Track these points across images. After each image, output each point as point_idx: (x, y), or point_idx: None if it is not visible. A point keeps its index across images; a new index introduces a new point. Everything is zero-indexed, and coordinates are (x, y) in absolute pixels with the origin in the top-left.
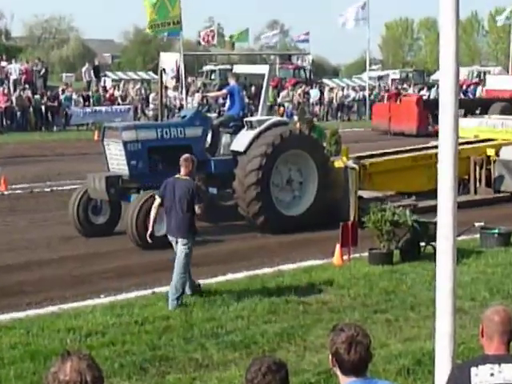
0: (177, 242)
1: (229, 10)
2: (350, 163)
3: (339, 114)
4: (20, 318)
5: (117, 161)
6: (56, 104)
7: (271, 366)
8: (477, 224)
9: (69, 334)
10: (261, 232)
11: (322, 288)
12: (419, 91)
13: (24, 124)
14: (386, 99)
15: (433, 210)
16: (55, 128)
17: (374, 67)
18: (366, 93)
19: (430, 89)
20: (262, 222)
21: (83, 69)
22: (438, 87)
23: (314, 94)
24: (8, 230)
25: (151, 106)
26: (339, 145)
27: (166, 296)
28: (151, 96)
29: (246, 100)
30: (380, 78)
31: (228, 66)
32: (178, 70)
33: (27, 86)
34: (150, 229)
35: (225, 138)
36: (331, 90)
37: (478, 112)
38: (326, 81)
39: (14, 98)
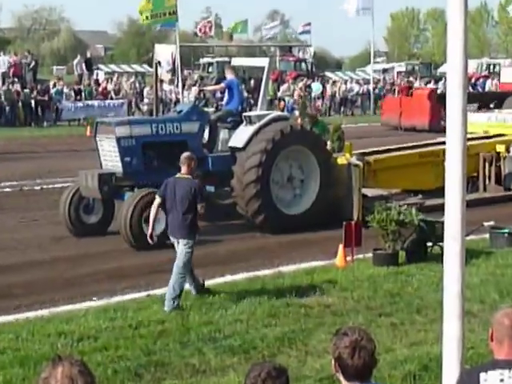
0: (178, 243)
1: None
2: (354, 160)
3: (342, 109)
4: (9, 322)
5: (110, 157)
6: (46, 98)
7: (271, 371)
8: (486, 223)
9: (60, 339)
10: (260, 232)
11: (324, 290)
12: (426, 84)
13: (13, 119)
14: (396, 93)
15: (440, 208)
16: (45, 123)
17: (378, 60)
18: (371, 86)
19: (437, 82)
20: (262, 221)
21: (75, 61)
22: (445, 80)
23: (316, 87)
24: None
25: (146, 100)
26: (342, 141)
27: (162, 298)
28: (146, 90)
29: (245, 94)
30: (385, 70)
31: (226, 59)
32: (173, 63)
33: (16, 79)
34: (151, 229)
35: (223, 134)
36: (334, 83)
37: (492, 106)
38: (328, 74)
39: (2, 92)
